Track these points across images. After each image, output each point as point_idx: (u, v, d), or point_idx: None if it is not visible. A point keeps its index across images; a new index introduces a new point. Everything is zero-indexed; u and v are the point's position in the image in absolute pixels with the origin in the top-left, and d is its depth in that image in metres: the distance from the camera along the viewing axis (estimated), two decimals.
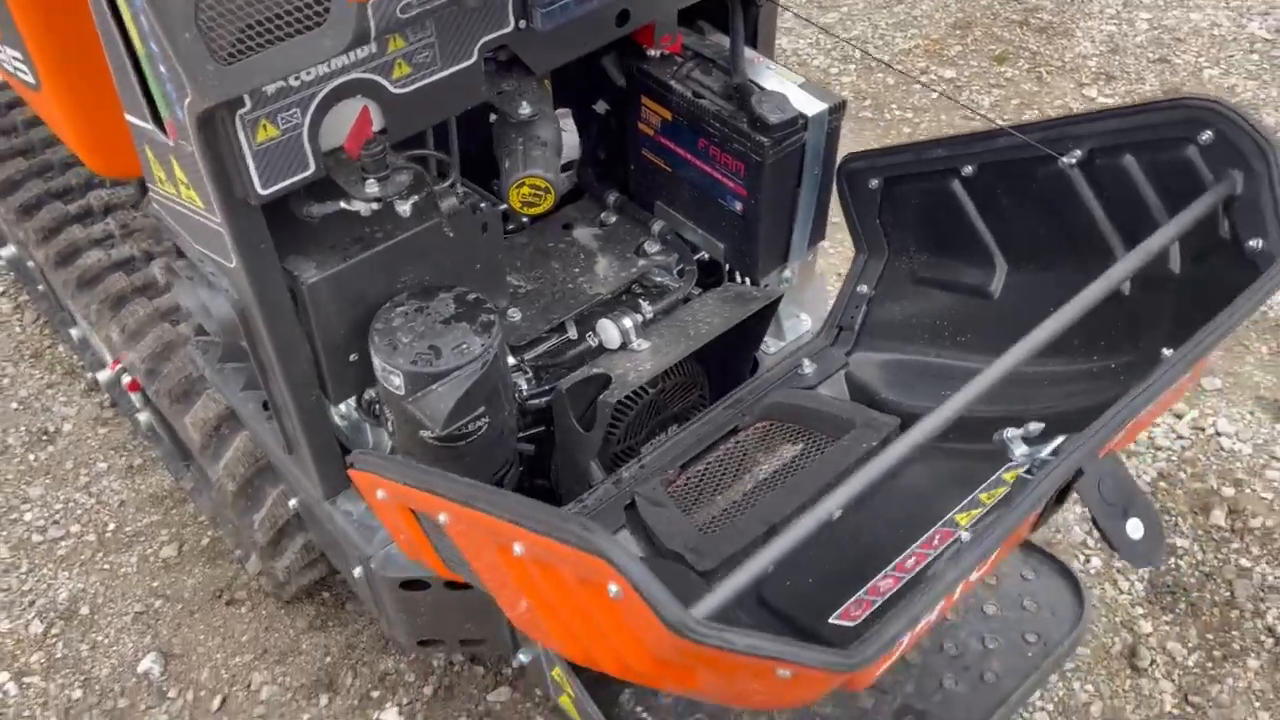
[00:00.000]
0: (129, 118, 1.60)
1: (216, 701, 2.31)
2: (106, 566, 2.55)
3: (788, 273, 2.14)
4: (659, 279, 2.12)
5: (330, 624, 2.43)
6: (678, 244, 2.13)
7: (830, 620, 1.51)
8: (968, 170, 1.88)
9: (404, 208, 1.59)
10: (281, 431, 1.86)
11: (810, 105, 1.88)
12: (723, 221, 2.04)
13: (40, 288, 2.93)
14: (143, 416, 2.59)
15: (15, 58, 2.01)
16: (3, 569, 2.55)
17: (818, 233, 2.09)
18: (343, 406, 1.94)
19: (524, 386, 1.93)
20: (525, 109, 1.70)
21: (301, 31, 1.25)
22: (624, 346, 1.91)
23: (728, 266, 2.14)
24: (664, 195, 2.14)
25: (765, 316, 2.04)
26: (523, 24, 1.57)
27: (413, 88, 1.52)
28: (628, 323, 1.92)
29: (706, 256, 2.15)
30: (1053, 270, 1.85)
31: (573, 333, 2.02)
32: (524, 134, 1.69)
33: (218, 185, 1.45)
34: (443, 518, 1.38)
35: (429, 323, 1.69)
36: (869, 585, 1.53)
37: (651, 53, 1.97)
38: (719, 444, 1.96)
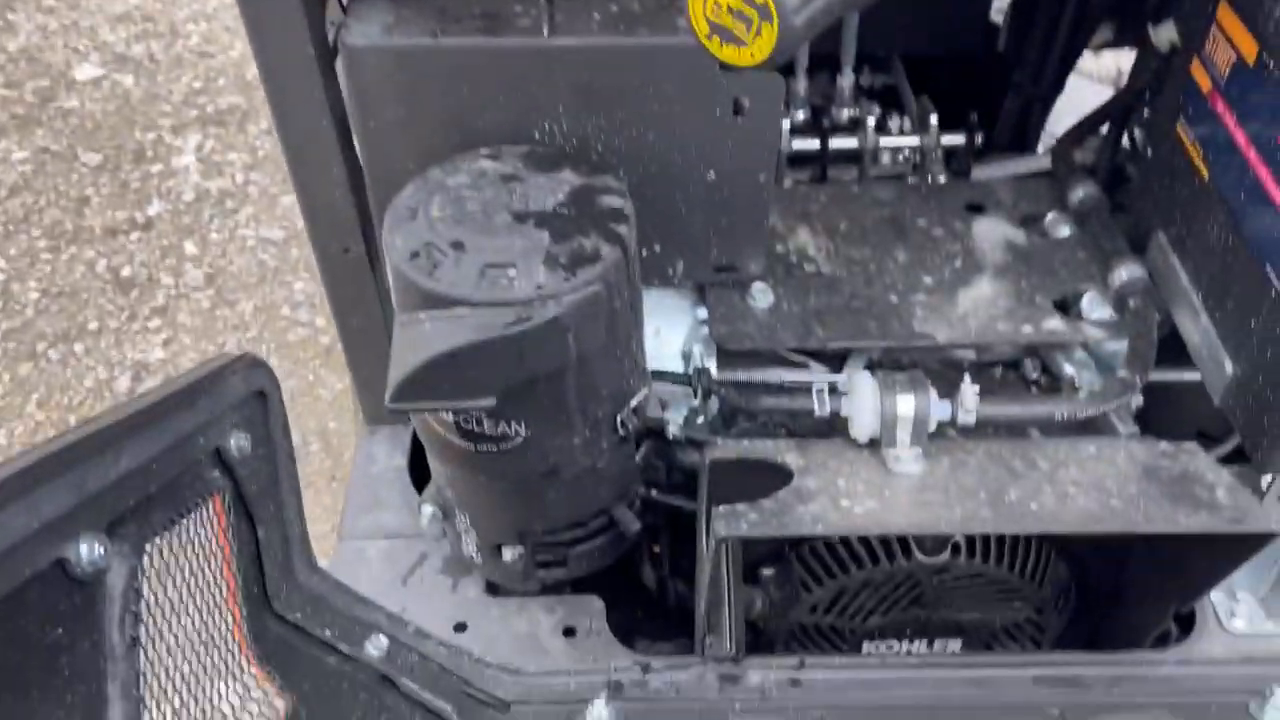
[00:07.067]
0: None
1: None
2: None
3: None
4: (1068, 367, 1.05)
5: None
6: (1146, 324, 1.03)
7: None
8: None
9: None
10: None
11: None
12: (1254, 318, 0.91)
13: None
14: None
15: None
16: None
17: None
18: None
19: (678, 422, 1.01)
20: None
21: None
22: (872, 445, 0.90)
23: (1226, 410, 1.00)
24: (1174, 223, 1.04)
25: (1234, 552, 0.89)
26: None
27: None
28: (910, 406, 0.89)
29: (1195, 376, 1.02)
30: None
31: (836, 377, 1.05)
32: None
33: None
34: None
35: (498, 202, 0.86)
36: None
37: None
38: None
